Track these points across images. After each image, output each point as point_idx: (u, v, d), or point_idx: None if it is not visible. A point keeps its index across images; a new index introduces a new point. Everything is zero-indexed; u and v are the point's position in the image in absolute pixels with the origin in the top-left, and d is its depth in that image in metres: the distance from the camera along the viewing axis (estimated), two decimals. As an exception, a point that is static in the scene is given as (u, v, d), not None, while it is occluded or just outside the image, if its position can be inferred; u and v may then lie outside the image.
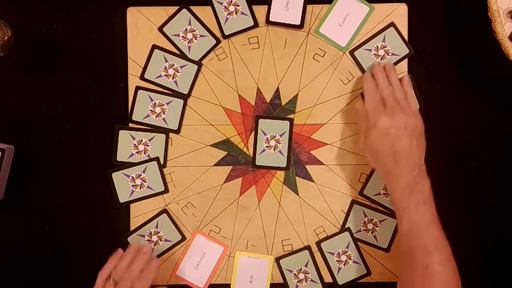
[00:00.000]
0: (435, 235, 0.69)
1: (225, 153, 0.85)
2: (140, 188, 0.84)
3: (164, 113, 0.84)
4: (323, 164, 0.84)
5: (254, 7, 0.84)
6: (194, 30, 0.84)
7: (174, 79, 0.84)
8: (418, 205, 0.70)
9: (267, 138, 0.84)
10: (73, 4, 0.84)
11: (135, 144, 0.84)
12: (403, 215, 0.71)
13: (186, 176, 0.84)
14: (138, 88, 0.84)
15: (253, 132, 0.84)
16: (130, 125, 0.84)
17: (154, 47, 0.84)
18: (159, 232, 0.84)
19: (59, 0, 0.84)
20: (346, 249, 0.84)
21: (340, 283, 0.84)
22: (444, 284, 0.66)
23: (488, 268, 0.85)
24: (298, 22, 0.84)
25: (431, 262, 0.67)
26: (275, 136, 0.84)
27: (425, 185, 0.71)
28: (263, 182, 0.85)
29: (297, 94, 0.85)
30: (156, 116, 0.84)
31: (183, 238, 0.84)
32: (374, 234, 0.84)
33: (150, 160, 0.84)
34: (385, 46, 0.84)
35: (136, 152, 0.84)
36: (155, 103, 0.84)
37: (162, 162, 0.84)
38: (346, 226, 0.84)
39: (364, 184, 0.84)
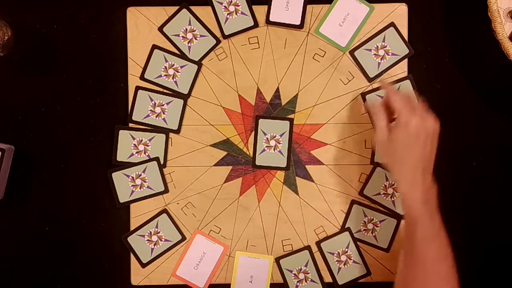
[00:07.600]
0: (446, 242, 0.69)
1: (225, 153, 0.85)
2: (140, 188, 0.84)
3: (164, 113, 0.84)
4: (323, 164, 0.84)
5: (254, 7, 0.84)
6: (194, 30, 0.84)
7: (174, 79, 0.84)
8: (432, 213, 0.69)
9: (267, 138, 0.84)
10: (73, 4, 0.84)
11: (135, 144, 0.84)
12: (417, 223, 0.69)
13: (186, 176, 0.84)
14: (138, 88, 0.84)
15: (253, 132, 0.84)
16: (130, 125, 0.84)
17: (154, 47, 0.84)
18: (159, 232, 0.84)
19: (59, 0, 0.85)
20: (346, 249, 0.84)
21: (340, 283, 0.84)
22: None
23: (488, 268, 0.85)
24: (298, 22, 0.84)
25: (443, 269, 0.68)
26: (275, 136, 0.84)
27: (435, 191, 0.71)
28: (263, 182, 0.85)
29: (297, 94, 0.85)
30: (156, 116, 0.84)
31: (183, 238, 0.84)
32: (374, 234, 0.84)
33: (150, 160, 0.84)
34: (385, 46, 0.84)
35: (136, 152, 0.84)
36: (155, 103, 0.84)
37: (162, 162, 0.84)
38: (346, 226, 0.84)
39: (364, 184, 0.84)
